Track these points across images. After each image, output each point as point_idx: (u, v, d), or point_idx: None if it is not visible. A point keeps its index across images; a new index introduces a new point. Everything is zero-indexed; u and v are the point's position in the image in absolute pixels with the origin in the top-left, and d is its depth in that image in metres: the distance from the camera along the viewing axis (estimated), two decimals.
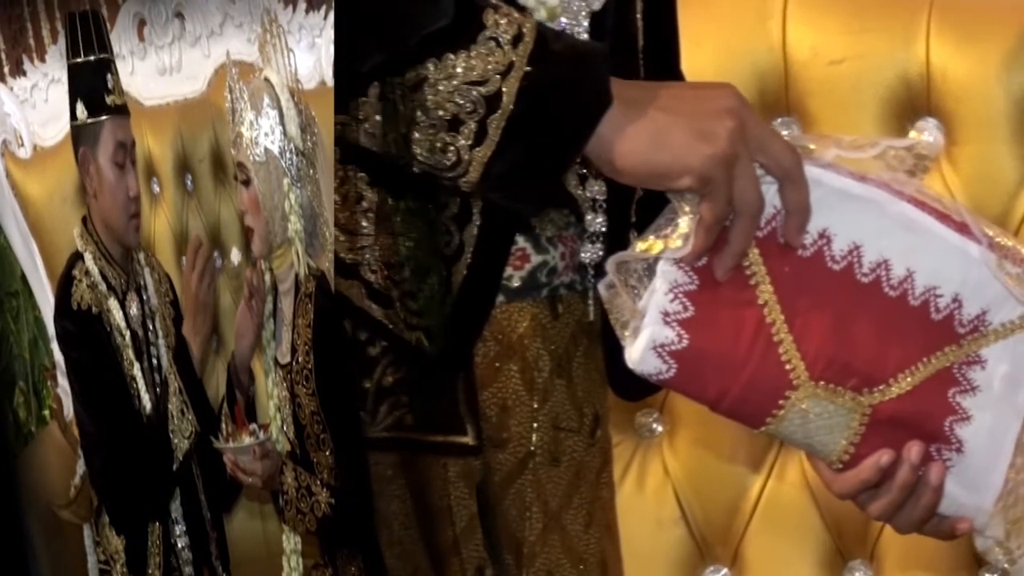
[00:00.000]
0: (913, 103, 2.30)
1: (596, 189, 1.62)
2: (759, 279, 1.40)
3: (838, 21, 2.33)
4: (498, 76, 1.33)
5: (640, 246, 1.39)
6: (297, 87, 3.22)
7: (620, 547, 1.83)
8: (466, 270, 1.55)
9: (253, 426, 3.28)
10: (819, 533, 2.45)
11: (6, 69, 5.89)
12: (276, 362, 3.29)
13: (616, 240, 1.62)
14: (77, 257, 3.86)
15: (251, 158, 3.16)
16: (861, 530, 2.17)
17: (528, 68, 1.33)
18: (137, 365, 3.84)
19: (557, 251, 1.65)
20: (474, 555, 1.65)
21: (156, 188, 5.02)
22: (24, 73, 5.74)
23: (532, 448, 1.67)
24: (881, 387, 1.43)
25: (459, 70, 1.34)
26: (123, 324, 3.82)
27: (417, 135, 1.36)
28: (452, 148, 1.35)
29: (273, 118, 3.15)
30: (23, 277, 5.80)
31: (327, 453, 3.08)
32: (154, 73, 4.93)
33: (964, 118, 2.27)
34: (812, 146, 1.39)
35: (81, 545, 4.17)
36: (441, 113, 1.34)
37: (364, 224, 1.54)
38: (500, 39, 1.34)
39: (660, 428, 2.56)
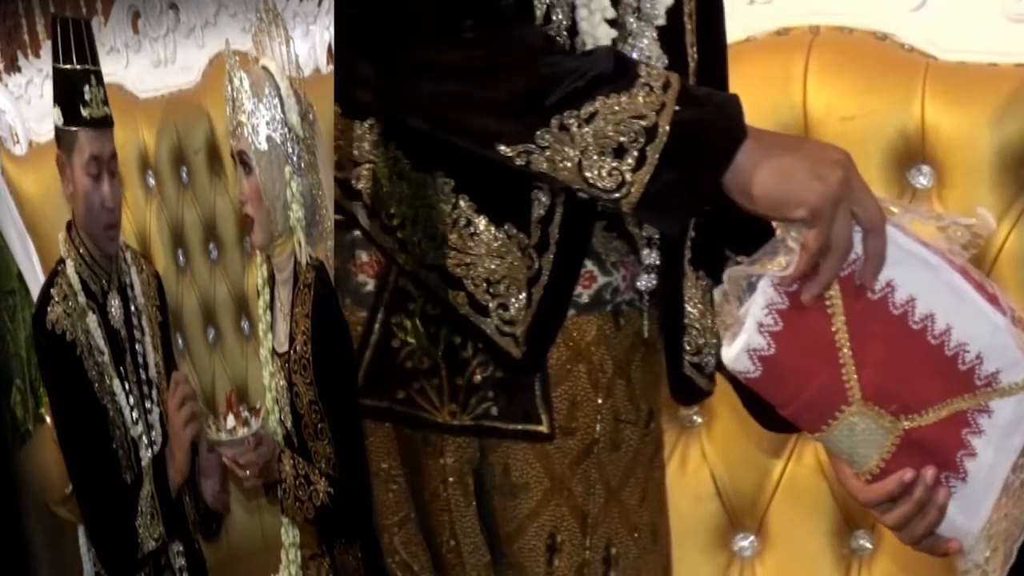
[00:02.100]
0: (910, 153, 2.29)
1: (651, 229, 1.63)
2: (835, 310, 1.44)
3: (849, 85, 2.33)
4: (654, 113, 1.36)
5: (751, 267, 1.44)
6: (297, 75, 2.81)
7: (669, 518, 1.83)
8: (543, 290, 1.56)
9: (245, 414, 2.80)
10: (830, 507, 2.44)
11: (0, 66, 5.09)
12: (273, 351, 2.86)
13: (668, 272, 1.65)
14: (60, 264, 3.29)
15: (252, 146, 2.72)
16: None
17: (677, 108, 1.37)
18: (117, 381, 3.23)
19: (619, 274, 1.65)
20: (471, 539, 1.64)
21: (151, 181, 4.40)
22: (19, 69, 4.96)
23: (596, 436, 1.67)
24: (914, 415, 1.47)
25: (623, 107, 1.37)
26: (102, 342, 3.22)
27: (588, 162, 1.38)
28: (617, 172, 1.37)
29: (275, 106, 2.73)
30: (19, 275, 5.03)
31: (325, 443, 2.71)
32: (148, 65, 4.37)
33: (953, 166, 2.26)
34: (895, 209, 1.44)
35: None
36: (609, 142, 1.37)
37: (471, 245, 1.54)
38: (652, 85, 1.38)
39: (699, 420, 2.55)
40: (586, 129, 1.39)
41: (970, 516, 1.53)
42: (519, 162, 1.43)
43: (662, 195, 1.39)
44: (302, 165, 2.73)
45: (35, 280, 4.81)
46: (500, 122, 1.43)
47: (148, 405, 3.30)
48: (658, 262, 1.65)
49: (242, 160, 2.74)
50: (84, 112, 3.20)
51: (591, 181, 1.40)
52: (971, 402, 1.49)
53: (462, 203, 1.54)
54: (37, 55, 4.78)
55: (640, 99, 1.39)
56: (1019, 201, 2.23)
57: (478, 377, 1.58)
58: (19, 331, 4.92)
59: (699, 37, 1.66)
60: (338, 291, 1.64)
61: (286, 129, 2.71)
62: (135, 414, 3.25)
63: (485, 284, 1.54)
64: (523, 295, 1.55)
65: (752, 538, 2.56)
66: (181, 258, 4.30)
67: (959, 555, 1.55)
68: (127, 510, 3.09)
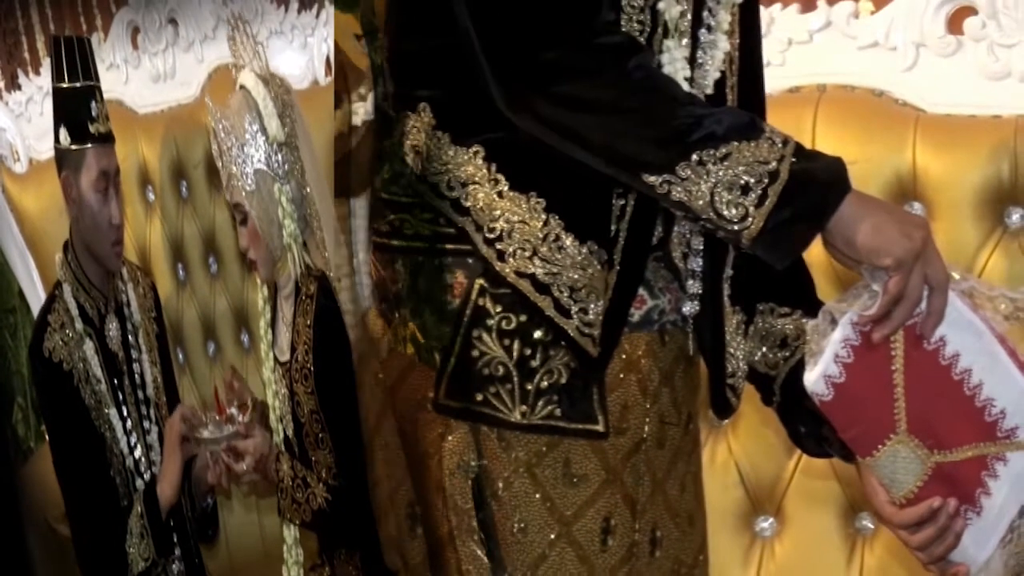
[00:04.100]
0: (904, 192, 2.28)
1: (695, 263, 1.65)
2: (897, 352, 1.47)
3: (851, 135, 2.32)
4: (775, 160, 1.39)
5: (839, 304, 1.48)
6: (269, 75, 2.49)
7: (704, 505, 1.84)
8: (608, 303, 1.57)
9: (231, 411, 2.61)
10: (838, 493, 2.43)
11: (0, 84, 4.68)
12: (276, 361, 2.59)
13: (709, 300, 1.68)
14: (58, 288, 2.91)
15: (243, 191, 2.45)
16: None
17: (794, 159, 1.40)
18: (114, 409, 2.88)
19: (665, 298, 1.66)
20: (536, 522, 1.63)
21: (151, 196, 3.99)
22: (19, 87, 4.52)
23: (644, 435, 1.66)
24: (945, 451, 1.50)
25: (752, 152, 1.40)
26: (99, 370, 2.85)
27: (718, 196, 1.41)
28: (742, 206, 1.40)
29: (255, 133, 2.43)
30: (20, 293, 4.56)
31: (326, 452, 2.48)
32: (148, 80, 3.98)
33: (940, 203, 2.25)
34: (956, 275, 1.47)
35: None
36: (737, 180, 1.40)
37: (558, 257, 1.54)
38: (775, 140, 1.41)
39: (726, 420, 2.52)
40: (720, 167, 1.41)
41: (979, 547, 1.55)
42: (660, 191, 1.44)
43: (776, 230, 1.41)
44: (287, 170, 2.47)
45: (36, 298, 4.42)
46: (649, 154, 1.44)
47: (147, 425, 2.99)
48: (700, 291, 1.67)
49: (239, 211, 2.53)
50: (92, 128, 2.88)
51: (720, 212, 1.42)
52: (991, 449, 1.52)
53: (552, 221, 1.54)
54: (37, 72, 4.42)
55: (764, 148, 1.41)
56: (996, 232, 2.23)
57: (544, 383, 1.58)
58: (20, 349, 4.50)
59: (739, 107, 1.67)
60: (426, 308, 1.62)
61: (268, 145, 2.45)
62: (132, 439, 2.92)
63: (569, 291, 1.54)
64: (601, 302, 1.56)
65: (771, 520, 2.54)
66: (181, 272, 3.97)
67: None
68: (119, 536, 2.76)
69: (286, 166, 2.45)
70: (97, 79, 2.95)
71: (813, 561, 2.48)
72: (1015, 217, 2.21)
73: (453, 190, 1.57)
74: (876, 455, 1.53)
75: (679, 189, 1.43)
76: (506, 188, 1.55)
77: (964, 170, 2.23)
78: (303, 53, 3.32)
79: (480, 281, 1.58)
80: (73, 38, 2.94)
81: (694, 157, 1.42)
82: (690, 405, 1.75)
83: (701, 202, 1.43)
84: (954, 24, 2.28)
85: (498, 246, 1.55)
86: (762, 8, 1.90)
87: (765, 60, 1.83)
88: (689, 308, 1.68)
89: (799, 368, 1.68)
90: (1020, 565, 1.60)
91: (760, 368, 1.76)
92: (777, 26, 2.43)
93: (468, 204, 1.56)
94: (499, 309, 1.57)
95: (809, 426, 1.72)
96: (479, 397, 1.59)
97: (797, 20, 2.44)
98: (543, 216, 1.55)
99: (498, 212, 1.55)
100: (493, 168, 1.56)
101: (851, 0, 2.39)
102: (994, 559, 1.58)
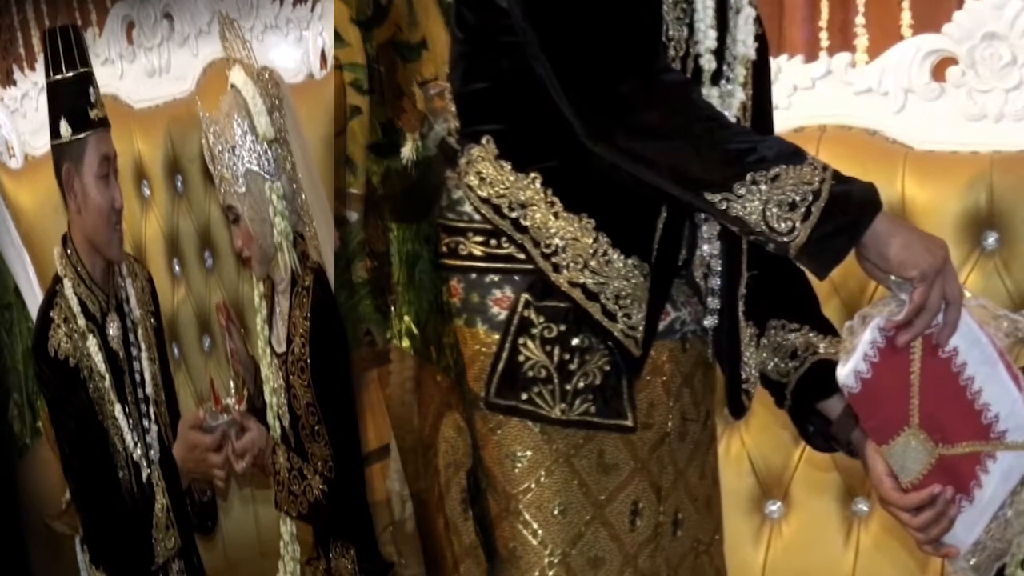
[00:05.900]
0: None
1: (714, 283, 1.67)
2: (915, 357, 1.49)
3: (848, 169, 2.19)
4: (818, 181, 1.42)
5: (871, 310, 1.51)
6: (259, 70, 2.27)
7: (720, 491, 1.85)
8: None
9: (226, 402, 2.36)
10: (837, 481, 2.44)
11: None
12: (272, 350, 2.35)
13: (726, 315, 1.69)
14: (57, 283, 2.58)
15: (235, 193, 2.24)
16: (862, 477, 2.14)
17: (833, 182, 1.43)
18: (119, 406, 2.55)
19: (686, 310, 1.69)
20: (574, 504, 1.64)
21: (146, 192, 3.60)
22: (14, 83, 4.06)
23: (668, 430, 1.69)
24: (947, 445, 1.53)
25: (797, 174, 1.42)
26: (103, 366, 2.53)
27: (769, 211, 1.42)
28: (790, 220, 1.42)
29: (244, 134, 2.21)
30: (16, 289, 4.04)
31: (322, 444, 2.27)
32: (143, 75, 3.59)
33: (925, 227, 2.21)
34: (968, 294, 1.51)
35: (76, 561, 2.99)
36: (786, 198, 1.42)
37: (606, 270, 1.57)
38: (816, 166, 1.44)
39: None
40: (770, 186, 1.42)
41: (968, 532, 1.58)
42: (720, 207, 1.46)
43: (820, 242, 1.43)
44: (278, 166, 2.25)
45: (32, 294, 3.98)
46: (711, 173, 1.46)
47: (146, 424, 2.63)
48: (719, 307, 1.68)
49: (231, 212, 2.31)
50: (92, 114, 2.54)
51: (772, 225, 1.43)
52: (985, 448, 1.54)
53: (601, 238, 1.57)
54: (32, 68, 3.96)
55: (808, 172, 1.43)
56: (974, 253, 2.25)
57: (581, 384, 1.59)
58: (16, 345, 3.99)
59: None
60: (475, 318, 1.63)
61: (258, 144, 2.22)
62: (134, 436, 2.58)
63: (615, 298, 1.56)
64: (644, 307, 1.58)
65: (779, 504, 2.54)
66: (176, 267, 3.59)
67: (953, 559, 1.61)
68: (140, 527, 2.47)
69: (276, 162, 2.25)
70: (89, 64, 2.61)
71: (815, 539, 2.49)
72: (991, 240, 2.24)
73: (513, 211, 1.59)
74: (891, 444, 1.56)
75: (736, 205, 1.45)
76: (560, 209, 1.58)
77: (946, 199, 2.25)
78: (298, 47, 3.07)
79: (525, 295, 1.60)
80: (66, 27, 2.61)
81: (748, 177, 1.44)
82: (708, 404, 1.77)
83: (755, 216, 1.45)
84: (938, 72, 2.31)
85: (553, 259, 1.57)
86: (771, 58, 1.91)
87: (773, 104, 1.84)
88: (709, 321, 1.70)
89: (808, 376, 1.73)
90: (998, 551, 1.62)
91: (773, 376, 1.78)
92: (784, 74, 2.45)
93: (527, 223, 1.59)
94: (542, 320, 1.59)
95: (817, 426, 1.75)
96: (524, 396, 1.61)
97: (801, 69, 2.46)
98: (593, 234, 1.57)
99: (553, 230, 1.57)
100: (549, 192, 1.58)
101: (848, 52, 2.42)
102: (978, 544, 1.61)
